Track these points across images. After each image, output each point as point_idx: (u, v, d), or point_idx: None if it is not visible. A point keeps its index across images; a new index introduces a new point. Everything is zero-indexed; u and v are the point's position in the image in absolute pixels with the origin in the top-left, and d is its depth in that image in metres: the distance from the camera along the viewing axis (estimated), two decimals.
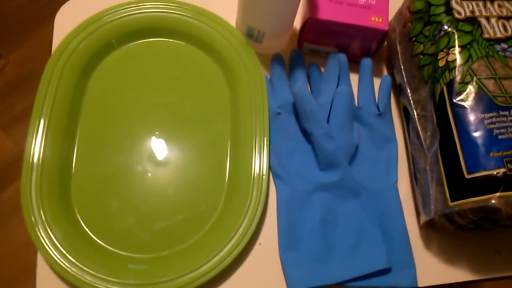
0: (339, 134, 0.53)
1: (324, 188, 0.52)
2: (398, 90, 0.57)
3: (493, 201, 0.42)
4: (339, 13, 0.54)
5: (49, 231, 0.47)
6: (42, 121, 0.51)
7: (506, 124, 0.44)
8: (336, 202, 0.52)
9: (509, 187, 0.42)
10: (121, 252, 0.48)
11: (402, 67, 0.55)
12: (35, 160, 0.49)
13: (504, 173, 0.42)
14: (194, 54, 0.59)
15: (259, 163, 0.51)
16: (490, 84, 0.46)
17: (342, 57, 0.57)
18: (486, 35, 0.48)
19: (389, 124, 0.57)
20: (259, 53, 0.58)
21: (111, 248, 0.48)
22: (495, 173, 0.43)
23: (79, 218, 0.49)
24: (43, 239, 0.46)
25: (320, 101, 0.55)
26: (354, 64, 0.59)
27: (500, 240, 0.53)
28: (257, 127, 0.53)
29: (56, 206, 0.48)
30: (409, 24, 0.54)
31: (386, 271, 0.49)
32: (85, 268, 0.45)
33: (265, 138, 0.52)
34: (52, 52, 0.56)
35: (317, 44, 0.58)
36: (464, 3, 0.50)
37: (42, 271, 0.47)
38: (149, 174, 0.52)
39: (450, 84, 0.47)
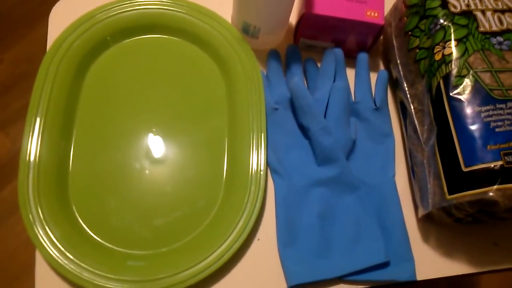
0: (336, 129, 0.53)
1: (322, 183, 0.52)
2: (394, 84, 0.57)
3: (490, 194, 0.42)
4: (335, 8, 0.54)
5: (47, 229, 0.46)
6: (38, 120, 0.51)
7: (503, 117, 0.44)
8: (334, 197, 0.52)
9: (506, 180, 0.42)
10: (119, 249, 0.48)
11: (398, 61, 0.55)
12: (32, 158, 0.49)
13: (501, 165, 0.42)
14: (190, 50, 0.59)
15: (257, 159, 0.51)
16: (486, 77, 0.46)
17: (339, 52, 0.57)
18: (482, 29, 0.48)
19: (386, 119, 0.57)
20: (255, 48, 0.58)
21: (109, 245, 0.48)
22: (492, 165, 0.43)
23: (77, 216, 0.49)
24: (41, 237, 0.46)
25: (317, 96, 0.55)
26: (350, 59, 0.59)
27: (498, 232, 0.53)
28: (254, 123, 0.53)
29: (54, 204, 0.48)
30: (405, 18, 0.54)
31: (384, 265, 0.49)
32: (83, 265, 0.45)
33: (262, 134, 0.52)
34: (47, 50, 0.56)
35: (313, 39, 0.58)
36: None
37: (41, 269, 0.47)
38: (147, 171, 0.52)
39: (446, 77, 0.47)
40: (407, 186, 0.55)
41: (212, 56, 0.58)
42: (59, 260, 0.45)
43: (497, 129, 0.44)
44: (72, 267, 0.45)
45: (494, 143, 0.43)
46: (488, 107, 0.45)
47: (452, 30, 0.48)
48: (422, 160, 0.50)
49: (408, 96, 0.53)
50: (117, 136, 0.53)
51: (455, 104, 0.46)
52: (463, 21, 0.48)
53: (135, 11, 0.58)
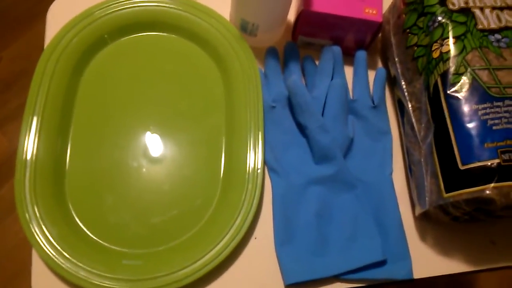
0: (333, 127, 0.53)
1: (319, 182, 0.52)
2: (392, 82, 0.57)
3: (487, 192, 0.42)
4: (333, 5, 0.54)
5: (43, 227, 0.46)
6: (35, 118, 0.51)
7: (500, 114, 0.44)
8: (331, 196, 0.52)
9: (503, 178, 0.42)
10: (115, 248, 0.48)
11: (396, 59, 0.55)
12: (29, 157, 0.49)
13: (498, 163, 0.42)
14: (187, 48, 0.58)
15: (254, 157, 0.51)
16: (484, 75, 0.46)
17: (337, 49, 0.57)
18: (480, 26, 0.48)
19: (383, 117, 0.56)
20: (253, 46, 0.58)
21: (105, 244, 0.48)
22: (489, 164, 0.42)
23: (74, 214, 0.49)
24: (38, 235, 0.46)
25: (315, 94, 0.55)
26: (348, 57, 0.59)
27: (495, 231, 0.53)
28: (251, 121, 0.53)
29: (51, 203, 0.48)
30: (403, 15, 0.53)
31: (381, 263, 0.49)
32: (80, 264, 0.45)
33: (260, 132, 0.52)
34: (44, 48, 0.55)
35: (312, 37, 0.58)
36: None
37: (37, 267, 0.47)
38: (144, 170, 0.52)
39: (444, 75, 0.47)
40: (405, 185, 0.54)
41: (210, 54, 0.58)
42: (55, 259, 0.45)
43: (494, 127, 0.44)
44: (68, 266, 0.45)
45: (491, 141, 0.43)
46: (485, 105, 0.44)
47: (450, 28, 0.48)
48: (419, 158, 0.49)
49: (406, 94, 0.53)
50: (114, 134, 0.53)
51: (453, 102, 0.45)
52: (461, 19, 0.48)
53: (133, 8, 0.57)
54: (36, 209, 0.47)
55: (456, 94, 0.46)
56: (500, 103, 0.45)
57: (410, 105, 0.52)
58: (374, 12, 0.54)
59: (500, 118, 0.44)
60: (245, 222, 0.48)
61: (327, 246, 0.50)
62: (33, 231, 0.46)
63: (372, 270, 0.49)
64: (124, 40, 0.58)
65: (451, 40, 0.48)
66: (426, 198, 0.47)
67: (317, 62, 0.59)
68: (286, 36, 0.60)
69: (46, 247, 0.46)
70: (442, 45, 0.48)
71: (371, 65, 0.60)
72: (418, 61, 0.50)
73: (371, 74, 0.58)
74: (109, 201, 0.50)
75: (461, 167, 0.44)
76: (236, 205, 0.49)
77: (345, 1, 0.54)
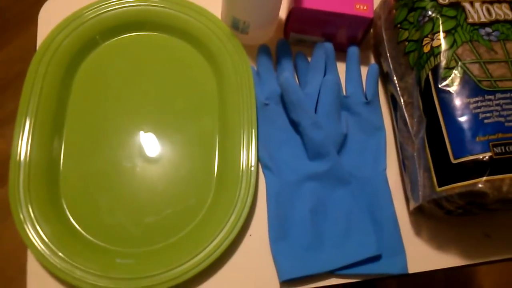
0: (327, 123, 0.53)
1: (313, 178, 0.52)
2: (385, 78, 0.57)
3: (480, 185, 0.42)
4: (324, 1, 0.54)
5: (38, 228, 0.46)
6: (28, 120, 0.51)
7: (492, 108, 0.44)
8: (325, 192, 0.52)
9: (495, 171, 0.42)
10: (110, 247, 0.48)
11: (388, 54, 0.55)
12: (22, 158, 0.49)
13: (490, 157, 0.42)
14: (179, 47, 0.58)
15: (248, 155, 0.51)
16: (475, 69, 0.46)
17: (329, 46, 0.57)
18: (470, 20, 0.48)
19: (377, 112, 0.57)
20: (246, 44, 0.58)
21: (100, 243, 0.48)
22: (481, 157, 0.43)
23: (69, 214, 0.49)
24: (32, 235, 0.46)
25: (307, 91, 0.55)
26: (341, 53, 0.59)
27: (490, 224, 0.53)
28: (244, 119, 0.53)
29: (45, 203, 0.48)
30: (394, 11, 0.54)
31: (376, 259, 0.49)
32: (75, 264, 0.45)
33: (253, 130, 0.52)
34: (36, 50, 0.56)
35: (303, 34, 0.58)
36: None
37: (32, 268, 0.47)
38: (138, 169, 0.52)
39: (435, 69, 0.47)
40: (399, 180, 0.54)
41: (202, 53, 0.58)
42: (49, 259, 0.45)
43: (486, 121, 0.44)
44: (64, 265, 0.45)
45: (483, 134, 0.43)
46: (477, 99, 0.45)
47: (440, 22, 0.48)
48: (412, 153, 0.50)
49: (398, 89, 0.53)
50: (108, 134, 0.53)
51: (444, 96, 0.46)
52: (451, 13, 0.48)
53: (124, 8, 0.57)
54: (30, 210, 0.47)
55: (448, 88, 0.46)
56: (491, 96, 0.45)
57: (402, 100, 0.52)
58: (365, 8, 0.54)
59: (491, 111, 0.44)
60: (239, 220, 0.48)
61: (321, 242, 0.50)
62: (28, 231, 0.46)
63: (367, 265, 0.49)
64: (116, 40, 0.58)
65: (441, 34, 0.48)
66: (420, 193, 0.48)
67: (309, 59, 0.59)
68: (278, 34, 0.60)
69: (41, 247, 0.46)
70: (432, 39, 0.48)
71: (364, 61, 0.60)
72: (410, 56, 0.50)
73: (364, 70, 0.58)
74: (103, 201, 0.50)
75: (454, 161, 0.44)
76: (230, 203, 0.49)
77: None
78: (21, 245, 1.14)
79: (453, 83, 0.46)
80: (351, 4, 0.54)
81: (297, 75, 0.59)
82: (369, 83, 0.57)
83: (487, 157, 0.42)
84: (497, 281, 1.20)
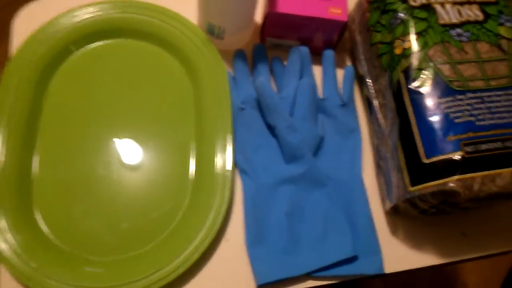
0: (302, 126, 0.53)
1: (289, 181, 0.52)
2: (361, 80, 0.58)
3: (451, 184, 0.42)
4: (298, 6, 0.54)
5: (8, 237, 0.46)
6: (1, 129, 0.51)
7: (463, 107, 0.45)
8: (302, 194, 0.52)
9: (466, 170, 0.42)
10: (85, 255, 0.47)
11: (362, 57, 0.55)
12: None
13: (462, 156, 0.43)
14: (155, 53, 0.58)
15: (223, 159, 0.51)
16: (446, 69, 0.46)
17: (304, 49, 0.57)
18: (441, 21, 0.49)
19: (353, 115, 0.57)
20: (222, 49, 0.58)
21: (74, 252, 0.48)
22: (452, 156, 0.43)
23: (42, 223, 0.48)
24: (3, 246, 0.45)
25: (283, 95, 0.55)
26: (318, 56, 0.59)
27: (466, 222, 0.53)
28: (220, 123, 0.53)
29: (17, 212, 0.48)
30: (367, 13, 0.54)
31: (353, 259, 0.49)
32: (47, 274, 0.45)
33: (229, 134, 0.52)
34: (11, 59, 0.55)
35: (279, 38, 0.58)
36: None
37: (5, 278, 0.47)
38: (114, 176, 0.51)
39: (406, 71, 0.47)
40: (375, 181, 0.55)
41: (178, 58, 0.58)
42: (22, 270, 0.45)
43: (456, 120, 0.44)
44: (36, 276, 0.45)
45: (454, 133, 0.44)
46: (447, 99, 0.45)
47: (411, 24, 0.49)
48: (386, 154, 0.50)
49: (373, 91, 0.53)
50: (83, 142, 0.53)
51: (415, 97, 0.46)
52: (422, 14, 0.49)
53: (98, 16, 0.57)
54: (2, 220, 0.47)
55: (419, 89, 0.46)
56: (462, 96, 0.45)
57: (377, 102, 0.52)
58: (339, 11, 0.54)
59: (462, 111, 0.45)
60: (215, 224, 0.48)
61: (298, 244, 0.50)
62: None
63: (344, 266, 0.49)
64: (91, 48, 0.58)
65: (413, 36, 0.48)
66: (393, 193, 0.48)
67: (286, 63, 0.59)
68: (255, 38, 0.61)
69: (13, 258, 0.45)
70: (404, 41, 0.48)
71: (341, 64, 0.61)
72: (383, 58, 0.51)
73: (341, 73, 0.59)
74: (78, 209, 0.50)
75: (425, 161, 0.44)
76: (206, 208, 0.49)
77: (310, 2, 0.54)
78: None
79: (424, 84, 0.46)
80: (325, 8, 0.54)
81: (274, 79, 0.59)
82: (345, 85, 0.57)
83: (458, 157, 0.43)
84: (481, 278, 1.21)
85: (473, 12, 0.50)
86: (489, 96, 0.46)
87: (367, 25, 0.54)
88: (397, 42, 0.49)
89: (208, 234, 0.48)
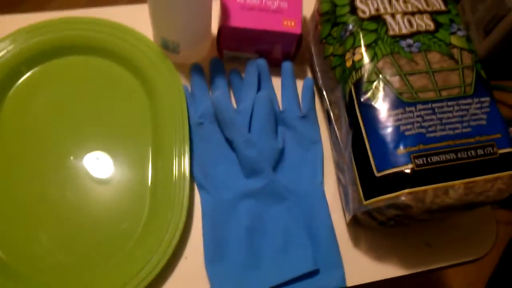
0: (260, 140, 0.53)
1: (249, 196, 0.52)
2: (320, 92, 0.57)
3: (402, 198, 0.42)
4: (251, 19, 0.54)
5: None
6: None
7: (413, 119, 0.45)
8: (262, 209, 0.52)
9: (417, 183, 0.42)
10: (41, 279, 0.47)
11: (318, 69, 0.55)
12: None
13: (412, 169, 0.43)
14: (110, 69, 0.58)
15: (181, 176, 0.50)
16: (395, 81, 0.46)
17: (261, 62, 0.57)
18: (391, 32, 0.49)
19: (313, 126, 0.57)
20: (179, 63, 0.58)
21: (28, 274, 0.47)
22: (403, 169, 0.43)
23: None
24: None
25: (240, 108, 0.55)
26: (278, 68, 0.59)
27: (430, 233, 0.53)
28: (177, 138, 0.52)
29: None
30: (319, 26, 0.54)
31: (314, 273, 0.49)
32: None
33: (186, 149, 0.52)
34: None
35: (237, 51, 0.58)
36: (369, 1, 0.50)
37: None
38: (69, 195, 0.51)
39: (357, 84, 0.47)
40: (336, 193, 0.55)
41: (133, 73, 0.57)
42: None
43: (407, 133, 0.44)
44: None
45: (404, 146, 0.44)
46: (397, 111, 0.45)
47: (361, 36, 0.48)
48: (343, 166, 0.50)
49: (329, 103, 0.53)
50: (35, 164, 0.52)
51: (366, 110, 0.46)
52: (371, 26, 0.49)
53: (50, 35, 0.57)
54: None
55: (369, 102, 0.46)
56: (412, 108, 0.45)
57: (333, 114, 0.52)
58: (293, 24, 0.54)
59: (412, 123, 0.44)
60: (172, 242, 0.48)
61: (259, 259, 0.49)
62: None
63: (305, 280, 0.49)
64: (44, 66, 0.57)
65: (362, 49, 0.48)
66: (350, 205, 0.48)
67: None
68: (213, 51, 0.60)
69: None
70: (354, 54, 0.48)
71: (301, 75, 0.60)
72: (336, 71, 0.51)
73: (301, 84, 0.59)
74: (32, 231, 0.49)
75: (377, 174, 0.44)
76: (162, 225, 0.49)
77: (263, 15, 0.54)
78: None
79: (374, 97, 0.46)
80: (278, 20, 0.54)
81: (233, 92, 0.58)
82: (304, 97, 0.57)
83: (408, 170, 0.43)
84: (464, 281, 1.21)
85: (424, 22, 0.49)
86: (440, 107, 0.45)
87: (320, 37, 0.53)
88: (348, 55, 0.49)
89: (164, 252, 0.47)
